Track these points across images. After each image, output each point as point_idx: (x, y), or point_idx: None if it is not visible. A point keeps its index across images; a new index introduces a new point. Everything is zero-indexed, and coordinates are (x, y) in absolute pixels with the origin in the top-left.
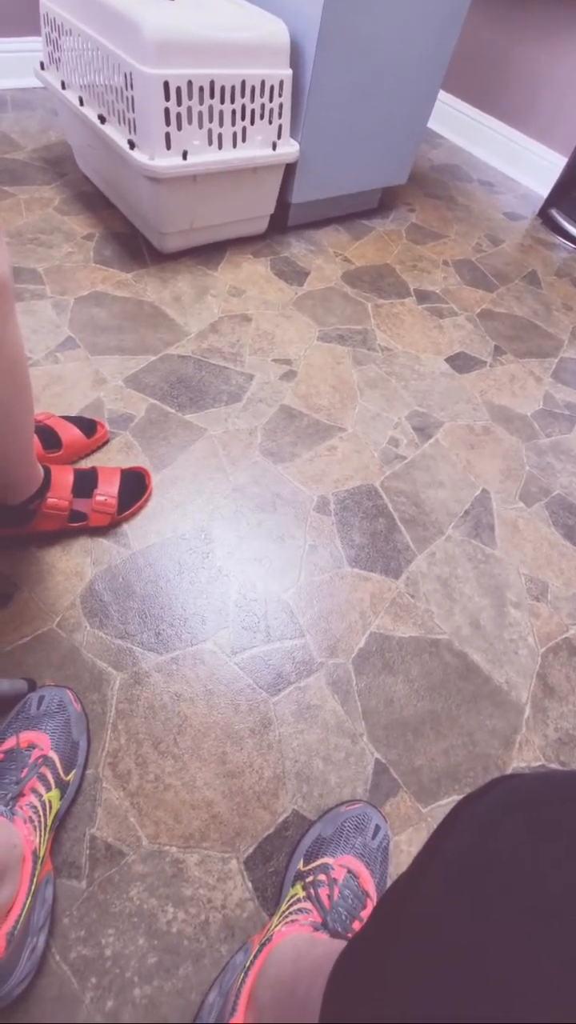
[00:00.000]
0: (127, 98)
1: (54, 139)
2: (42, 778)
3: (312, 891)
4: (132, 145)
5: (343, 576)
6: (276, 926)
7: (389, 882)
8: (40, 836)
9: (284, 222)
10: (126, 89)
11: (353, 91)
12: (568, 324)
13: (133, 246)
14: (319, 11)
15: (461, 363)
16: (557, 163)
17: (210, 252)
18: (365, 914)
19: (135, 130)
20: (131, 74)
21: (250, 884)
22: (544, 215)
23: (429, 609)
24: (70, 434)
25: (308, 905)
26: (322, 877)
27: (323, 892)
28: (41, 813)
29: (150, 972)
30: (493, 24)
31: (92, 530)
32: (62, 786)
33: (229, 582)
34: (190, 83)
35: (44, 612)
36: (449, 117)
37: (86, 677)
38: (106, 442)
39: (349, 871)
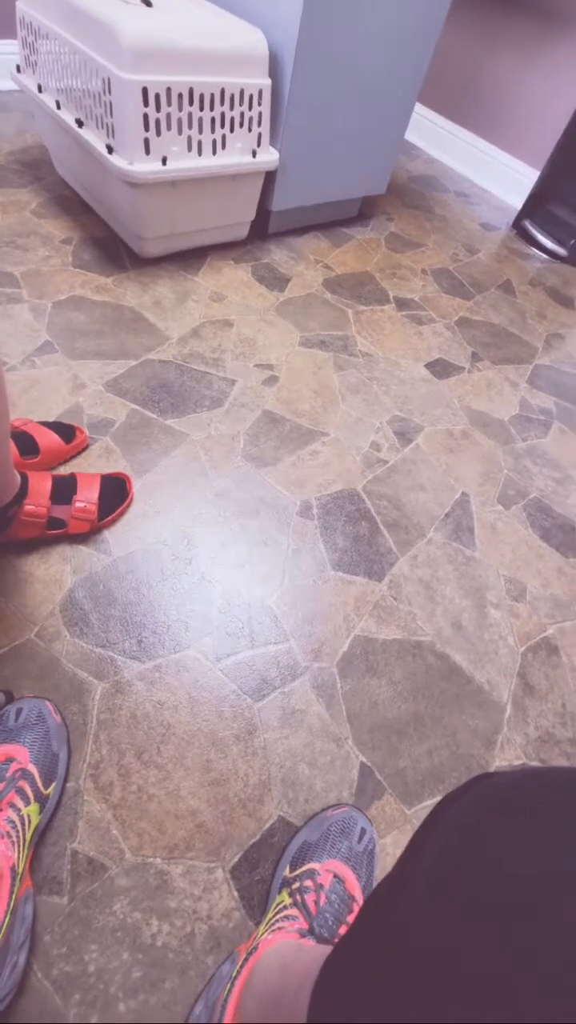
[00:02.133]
0: (105, 103)
1: (31, 142)
2: (20, 792)
3: (298, 897)
4: (110, 150)
5: (327, 580)
6: (262, 934)
7: (375, 885)
8: (18, 852)
9: (265, 229)
10: (104, 94)
11: (332, 102)
12: (542, 332)
13: (113, 251)
14: (297, 23)
15: (440, 369)
16: (530, 176)
17: (191, 257)
18: (351, 918)
19: (113, 135)
20: (109, 79)
21: (236, 893)
22: (518, 226)
23: (412, 611)
24: (48, 440)
25: (295, 912)
26: (308, 883)
27: (309, 898)
28: (19, 828)
29: (135, 987)
30: (468, 39)
31: (71, 537)
32: (41, 800)
33: (212, 588)
34: (169, 90)
35: (22, 622)
36: (426, 129)
37: (66, 687)
38: (86, 448)
39: (335, 876)
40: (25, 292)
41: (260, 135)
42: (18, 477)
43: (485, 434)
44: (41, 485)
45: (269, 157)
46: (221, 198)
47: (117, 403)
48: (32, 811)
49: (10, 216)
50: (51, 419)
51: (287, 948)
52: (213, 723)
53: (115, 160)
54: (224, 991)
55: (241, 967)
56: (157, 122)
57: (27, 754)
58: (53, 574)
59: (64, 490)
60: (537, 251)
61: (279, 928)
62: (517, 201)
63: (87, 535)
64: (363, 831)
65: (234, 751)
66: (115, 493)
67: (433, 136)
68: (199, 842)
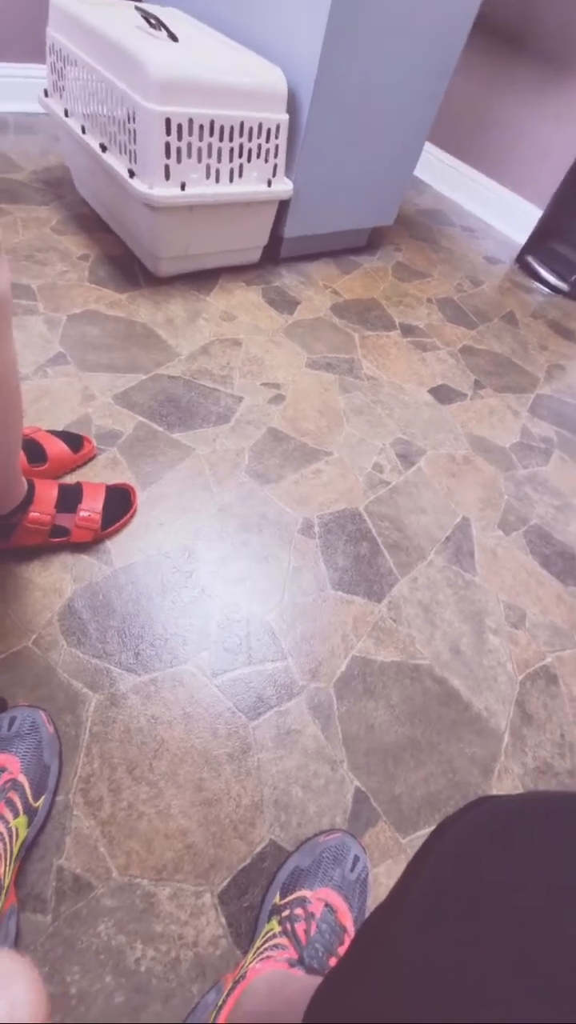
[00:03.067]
0: (129, 130)
1: (54, 162)
2: (9, 803)
3: (288, 926)
4: (132, 174)
5: (326, 599)
6: (250, 963)
7: (367, 915)
8: (4, 865)
9: (277, 254)
10: (129, 122)
11: (345, 137)
12: (544, 362)
13: (128, 268)
14: (316, 62)
15: (443, 395)
16: (532, 213)
17: (204, 278)
18: (342, 950)
19: (135, 160)
20: (134, 108)
21: (224, 920)
22: (521, 261)
23: (411, 634)
24: (56, 448)
25: (284, 941)
26: (299, 911)
27: (299, 927)
28: (7, 840)
29: (116, 1012)
30: (477, 81)
31: (74, 546)
32: (30, 813)
33: (212, 602)
34: (191, 120)
35: (20, 629)
36: (434, 166)
37: (61, 697)
38: (92, 457)
39: (327, 905)
40: (41, 305)
41: (276, 166)
42: (25, 484)
43: (487, 460)
44: (47, 493)
45: (283, 187)
46: (235, 223)
47: (125, 415)
48: (20, 824)
49: (30, 231)
50: (60, 428)
51: (276, 977)
52: (207, 740)
53: (136, 184)
54: (210, 1018)
55: (227, 996)
56: (178, 150)
57: (18, 764)
58: (54, 582)
59: (69, 498)
60: (539, 285)
61: (268, 957)
62: (520, 237)
63: (90, 544)
64: (356, 859)
65: (227, 770)
66: (119, 504)
67: (441, 173)
68: (188, 864)
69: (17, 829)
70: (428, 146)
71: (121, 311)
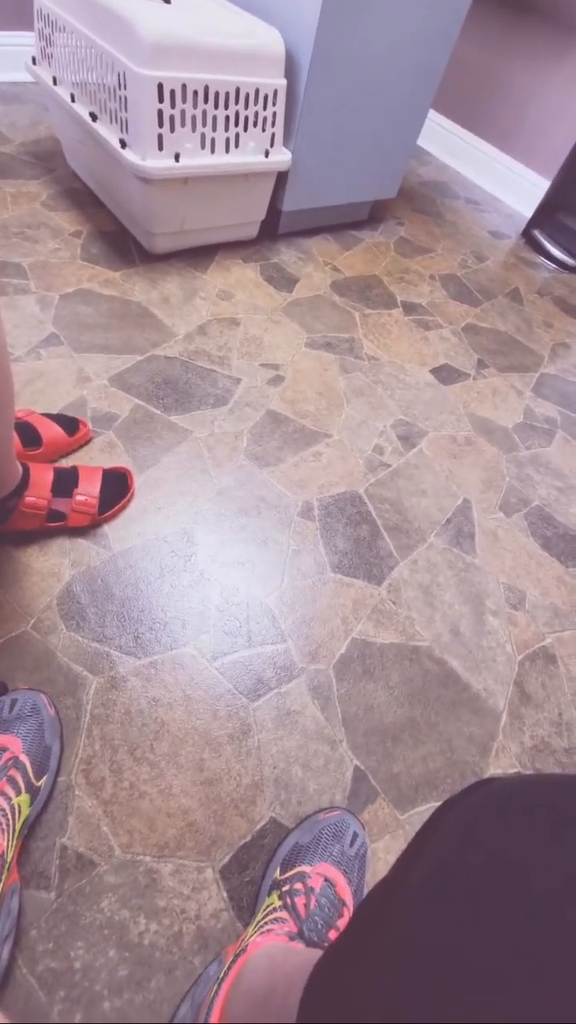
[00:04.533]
0: (120, 97)
1: (44, 134)
2: (11, 781)
3: (288, 900)
4: (123, 144)
5: (326, 582)
6: (251, 936)
7: (366, 890)
8: (7, 841)
9: (275, 229)
10: (119, 88)
11: (346, 104)
12: (548, 341)
13: (122, 245)
14: (315, 24)
15: (445, 375)
16: (540, 185)
17: (200, 255)
18: (341, 923)
19: (127, 130)
20: (125, 74)
21: (225, 894)
22: (527, 235)
23: (410, 616)
24: (51, 432)
25: (284, 914)
26: (299, 886)
27: (299, 901)
28: (9, 817)
29: (120, 985)
30: (483, 48)
31: (71, 530)
32: (32, 791)
33: (211, 586)
34: (184, 86)
35: (19, 614)
36: (438, 136)
37: (61, 681)
38: (88, 441)
39: (326, 879)
40: (33, 284)
41: (273, 135)
42: (20, 468)
43: (489, 441)
44: (42, 477)
45: (282, 157)
46: (232, 196)
47: (121, 398)
48: (23, 801)
49: (20, 207)
50: (55, 411)
51: (276, 950)
52: (207, 722)
53: (128, 155)
54: (211, 992)
55: (229, 968)
56: (171, 118)
57: (20, 744)
58: (51, 567)
59: (65, 482)
60: (545, 260)
61: (268, 930)
62: (527, 210)
63: (87, 529)
64: (355, 835)
65: (227, 750)
66: (116, 487)
67: (445, 142)
68: (189, 841)
69: (19, 807)
70: (432, 114)
71: (115, 290)
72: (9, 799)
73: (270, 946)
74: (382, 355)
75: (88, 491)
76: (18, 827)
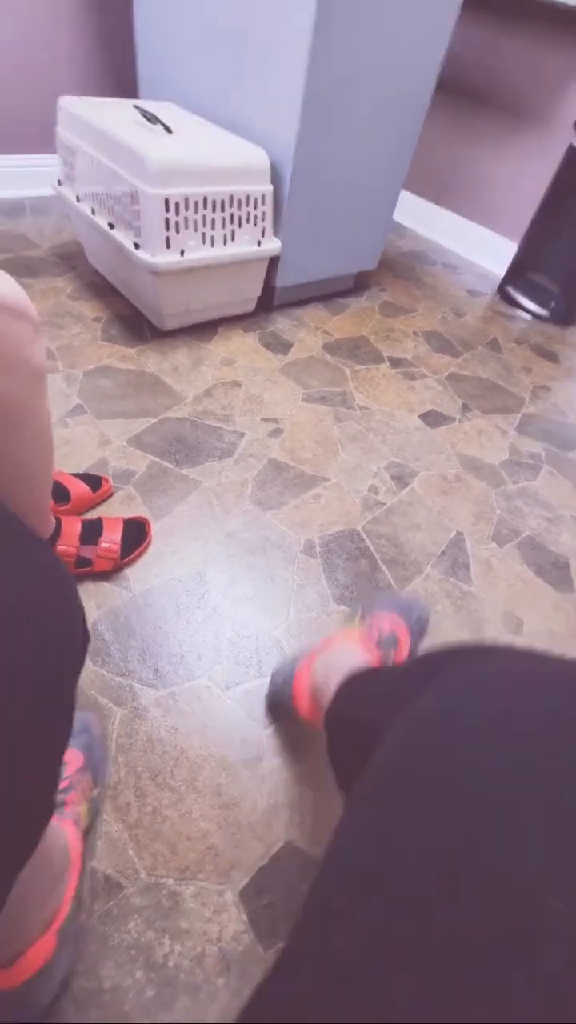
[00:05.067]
0: (134, 211)
1: (67, 239)
2: (82, 792)
3: (371, 625)
4: (137, 246)
5: (329, 613)
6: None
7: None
8: (83, 846)
9: (270, 301)
10: (132, 204)
11: (326, 197)
12: (528, 384)
13: (136, 326)
14: (293, 141)
15: (432, 419)
16: (509, 247)
17: (204, 328)
18: (396, 654)
19: (140, 235)
20: (136, 193)
21: (245, 916)
22: (502, 291)
23: None
24: (78, 489)
25: (363, 629)
26: (373, 620)
27: (381, 625)
28: (82, 822)
29: (147, 1006)
30: (445, 134)
31: (96, 574)
32: (90, 803)
33: (223, 620)
34: (187, 199)
35: None
36: (412, 211)
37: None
38: (110, 495)
39: (394, 628)
40: (60, 363)
41: (264, 228)
42: (53, 521)
43: (477, 477)
44: (71, 528)
45: (272, 245)
46: (231, 279)
47: (138, 456)
48: (84, 811)
49: (49, 300)
50: (81, 471)
51: (351, 645)
52: (224, 748)
53: (141, 255)
54: (303, 656)
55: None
56: (176, 224)
57: (81, 758)
58: None
59: (91, 532)
60: (522, 312)
61: (352, 631)
62: (499, 269)
63: (111, 573)
64: (419, 617)
65: (243, 775)
66: (136, 535)
67: (419, 217)
68: (209, 864)
69: (84, 814)
70: (405, 194)
71: (131, 364)
72: (79, 807)
73: (352, 644)
74: (372, 404)
75: (111, 539)
76: (83, 832)
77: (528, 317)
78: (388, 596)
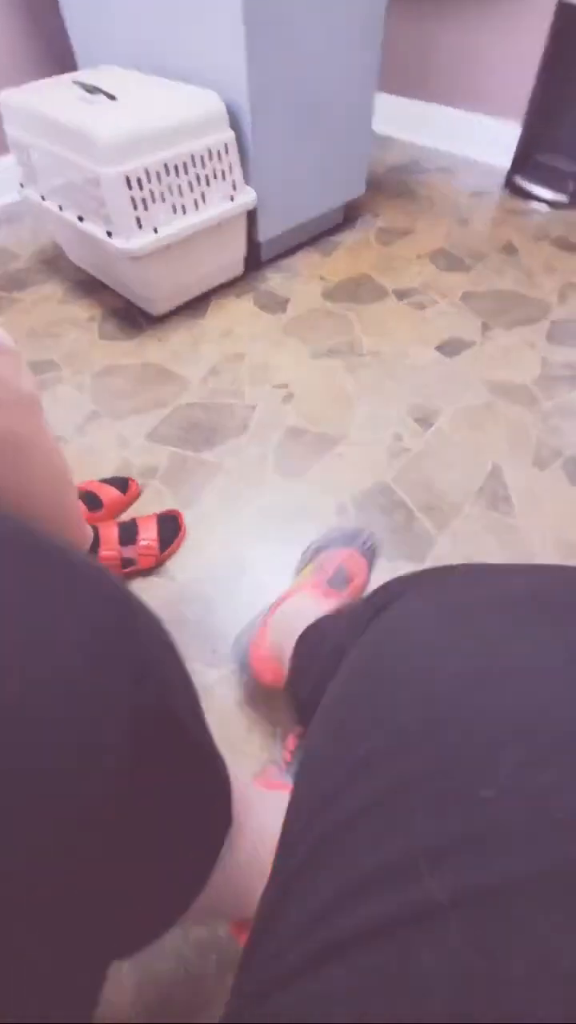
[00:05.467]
0: (97, 197)
1: (46, 242)
2: None
3: (318, 566)
4: (110, 234)
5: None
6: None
7: (372, 577)
8: None
9: (258, 258)
10: (94, 190)
11: (293, 128)
12: (553, 286)
13: (130, 317)
14: (244, 76)
15: (451, 348)
16: (511, 132)
17: (197, 303)
18: (351, 586)
19: (109, 221)
20: (96, 177)
21: None
22: (510, 184)
23: None
24: (108, 495)
25: (314, 571)
26: (323, 561)
27: (327, 564)
28: None
29: None
30: (414, 18)
31: (142, 572)
32: None
33: (268, 593)
34: (147, 170)
35: None
36: (395, 117)
37: None
38: (139, 494)
39: (343, 561)
40: (66, 373)
41: (234, 181)
42: (90, 530)
43: (509, 401)
44: (109, 533)
45: (247, 197)
46: (212, 245)
47: (158, 450)
48: None
49: (41, 310)
50: (107, 475)
51: (305, 598)
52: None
53: (115, 243)
54: (260, 619)
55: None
56: (143, 200)
57: None
58: None
59: (128, 533)
60: (537, 204)
61: (303, 581)
62: (504, 160)
63: (154, 568)
64: (367, 538)
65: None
66: (171, 528)
67: (404, 121)
68: None
69: None
70: (383, 97)
71: (133, 357)
72: None
73: (303, 593)
74: (383, 347)
75: (148, 536)
76: None
77: (544, 208)
78: (330, 531)
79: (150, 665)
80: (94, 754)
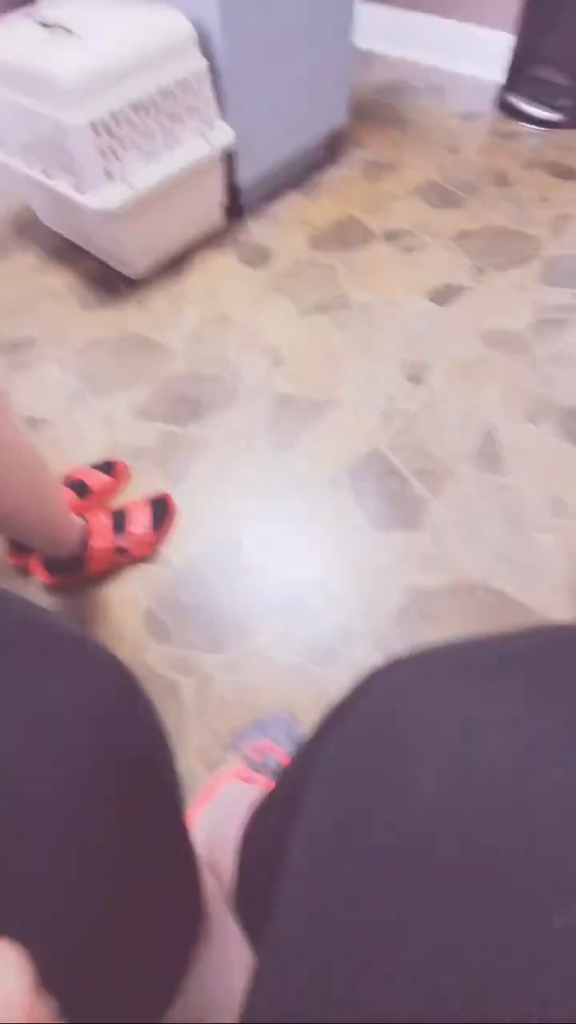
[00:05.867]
0: (63, 149)
1: (19, 207)
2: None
3: (243, 756)
4: (80, 191)
5: (368, 542)
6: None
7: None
8: None
9: (239, 207)
10: (60, 140)
11: (269, 51)
12: (546, 218)
13: (109, 282)
14: None
15: (443, 295)
16: (505, 43)
17: (177, 262)
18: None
19: (78, 176)
20: (60, 125)
21: None
22: (503, 104)
23: (455, 554)
24: (97, 480)
25: (240, 762)
26: (249, 749)
27: (253, 754)
28: None
29: None
30: None
31: (137, 560)
32: None
33: (266, 574)
34: (114, 114)
35: (114, 642)
36: (378, 30)
37: (163, 689)
38: (130, 477)
39: (270, 749)
40: (47, 349)
41: (209, 117)
42: (79, 521)
43: (501, 352)
44: (100, 522)
45: (223, 135)
46: (189, 192)
47: (146, 427)
48: None
49: (17, 282)
50: (94, 459)
51: (235, 787)
52: (291, 694)
53: (87, 199)
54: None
55: (193, 804)
56: (112, 149)
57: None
58: (130, 595)
59: (120, 521)
60: (529, 126)
61: (227, 770)
62: (497, 75)
63: (149, 555)
64: (290, 725)
65: (312, 714)
66: (161, 511)
67: (388, 34)
68: None
69: None
70: (365, 9)
71: (115, 328)
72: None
73: (230, 782)
74: (373, 298)
75: (141, 522)
76: None
77: (538, 129)
78: (253, 725)
79: (146, 761)
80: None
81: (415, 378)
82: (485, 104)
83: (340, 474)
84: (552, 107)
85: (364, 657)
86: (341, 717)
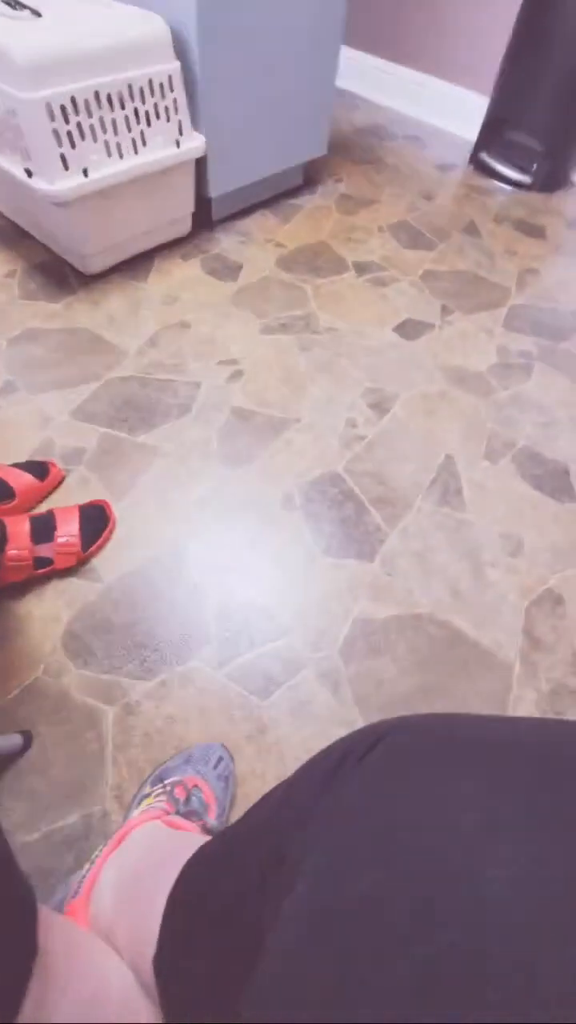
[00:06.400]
0: (14, 127)
1: None
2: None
3: (165, 791)
4: (30, 173)
5: (318, 568)
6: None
7: (232, 807)
8: None
9: (209, 217)
10: (11, 118)
11: (248, 69)
12: (513, 270)
13: (58, 274)
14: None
15: (409, 330)
16: (481, 105)
17: (138, 264)
18: (211, 814)
19: (29, 158)
20: (12, 102)
21: None
22: (475, 161)
23: (408, 586)
24: (22, 481)
25: (163, 800)
26: (172, 786)
27: (177, 791)
28: None
29: None
30: None
31: (61, 572)
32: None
33: (206, 596)
34: (73, 99)
35: (29, 662)
36: (363, 75)
37: (80, 718)
38: (61, 481)
39: (195, 785)
40: None
41: (180, 122)
42: None
43: (464, 390)
44: (19, 528)
45: (194, 143)
46: (155, 196)
47: (86, 429)
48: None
49: None
50: (23, 459)
51: (157, 831)
52: (224, 728)
53: (37, 183)
54: (85, 870)
55: (106, 847)
56: (69, 135)
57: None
58: (50, 611)
59: (44, 528)
60: (500, 184)
61: (148, 809)
62: (472, 134)
63: (76, 567)
64: (220, 759)
65: (248, 751)
66: (95, 521)
67: (372, 81)
68: None
69: None
70: (350, 52)
71: (60, 321)
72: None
73: (150, 825)
74: (340, 324)
75: (68, 531)
76: None
77: (508, 188)
78: (178, 757)
79: None
80: None
81: (377, 406)
82: (460, 157)
83: (294, 496)
84: (523, 170)
85: (306, 688)
86: (328, 784)
